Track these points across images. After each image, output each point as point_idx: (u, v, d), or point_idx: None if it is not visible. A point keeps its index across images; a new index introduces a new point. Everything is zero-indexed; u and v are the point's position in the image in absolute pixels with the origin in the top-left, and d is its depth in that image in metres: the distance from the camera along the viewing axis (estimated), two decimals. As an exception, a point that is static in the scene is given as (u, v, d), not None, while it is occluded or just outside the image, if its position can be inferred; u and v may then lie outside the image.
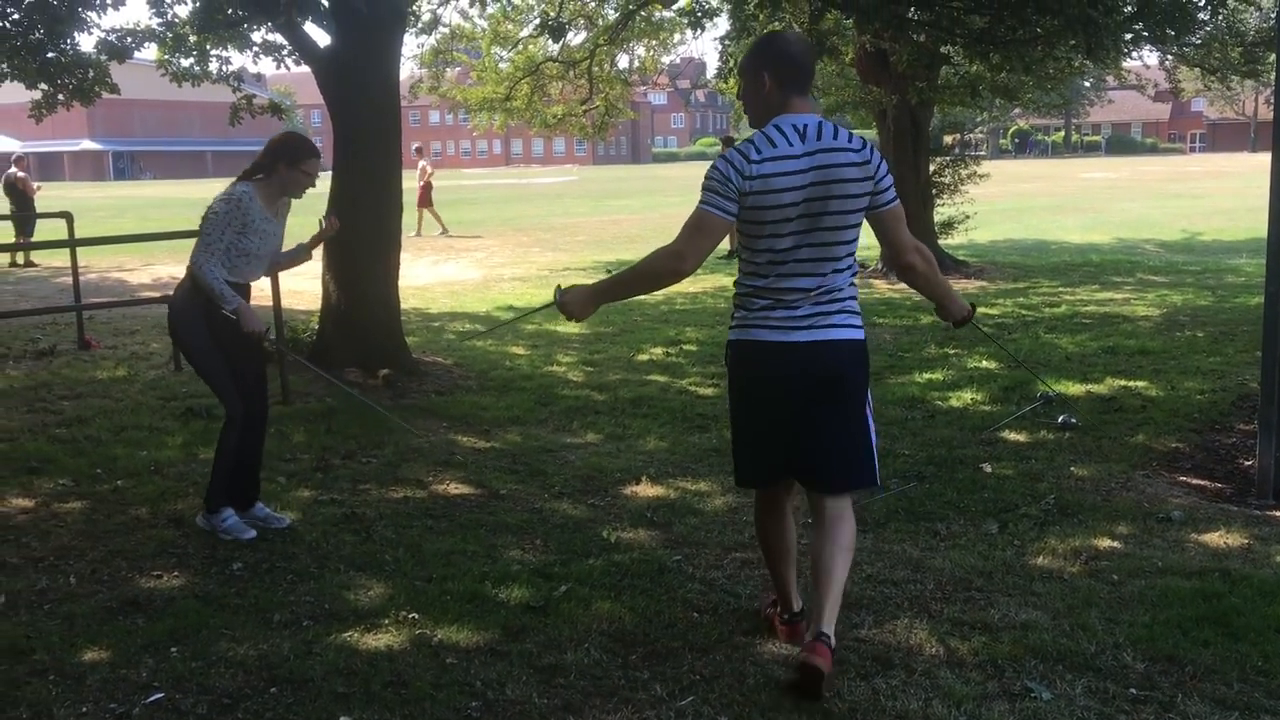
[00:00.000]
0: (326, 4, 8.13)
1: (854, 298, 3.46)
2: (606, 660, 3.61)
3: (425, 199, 22.39)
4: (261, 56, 10.00)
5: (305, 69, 8.83)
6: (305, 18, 8.13)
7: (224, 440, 4.83)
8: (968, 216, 15.50)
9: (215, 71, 10.30)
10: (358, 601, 4.08)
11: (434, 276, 15.42)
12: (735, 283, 3.50)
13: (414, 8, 11.94)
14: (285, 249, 4.99)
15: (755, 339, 3.41)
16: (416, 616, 3.94)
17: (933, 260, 3.62)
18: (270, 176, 4.71)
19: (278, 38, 9.42)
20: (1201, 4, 9.84)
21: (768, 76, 3.37)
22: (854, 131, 3.57)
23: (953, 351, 8.94)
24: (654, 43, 18.44)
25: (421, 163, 22.46)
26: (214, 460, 4.90)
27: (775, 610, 3.80)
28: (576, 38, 17.28)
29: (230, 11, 8.64)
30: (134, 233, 16.74)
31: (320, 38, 8.33)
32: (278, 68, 10.17)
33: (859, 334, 3.44)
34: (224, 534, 4.75)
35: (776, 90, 3.37)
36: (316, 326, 8.61)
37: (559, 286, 3.52)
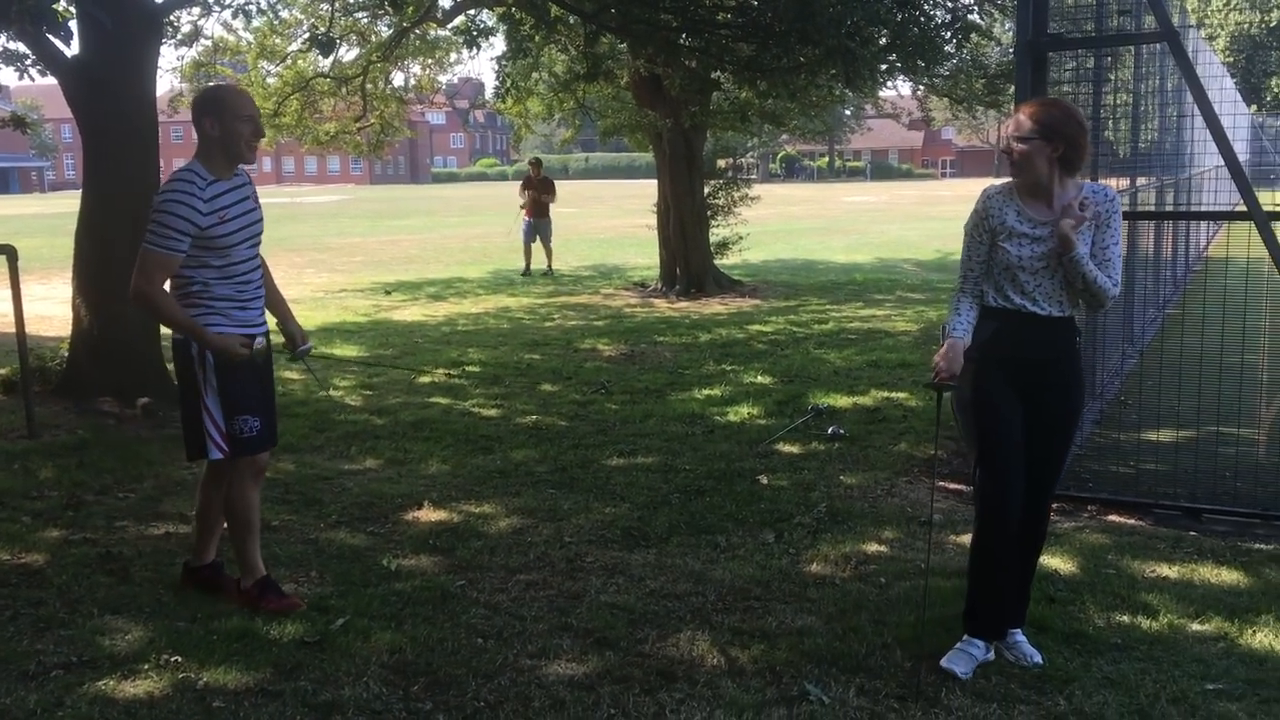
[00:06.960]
0: (74, 11, 7.61)
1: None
2: (387, 693, 3.50)
3: None
4: (1, 66, 9.27)
5: (53, 79, 8.24)
6: (39, 28, 7.57)
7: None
8: (741, 237, 16.06)
9: (-54, 80, 9.48)
10: (114, 647, 3.80)
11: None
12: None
13: (171, 18, 11.34)
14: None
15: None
16: (180, 659, 3.71)
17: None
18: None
19: (20, 46, 8.76)
20: (948, 37, 10.52)
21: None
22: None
23: (730, 368, 9.19)
24: (430, 61, 18.19)
25: None
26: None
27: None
28: (349, 54, 16.86)
29: (-39, 17, 7.97)
30: None
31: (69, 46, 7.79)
32: (21, 78, 9.45)
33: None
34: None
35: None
36: (67, 354, 8.03)
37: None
